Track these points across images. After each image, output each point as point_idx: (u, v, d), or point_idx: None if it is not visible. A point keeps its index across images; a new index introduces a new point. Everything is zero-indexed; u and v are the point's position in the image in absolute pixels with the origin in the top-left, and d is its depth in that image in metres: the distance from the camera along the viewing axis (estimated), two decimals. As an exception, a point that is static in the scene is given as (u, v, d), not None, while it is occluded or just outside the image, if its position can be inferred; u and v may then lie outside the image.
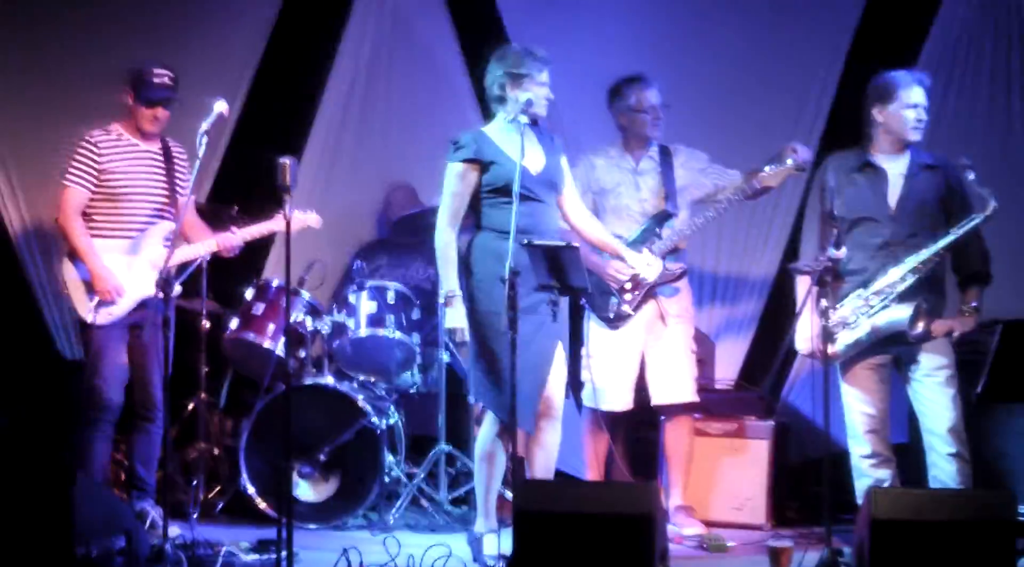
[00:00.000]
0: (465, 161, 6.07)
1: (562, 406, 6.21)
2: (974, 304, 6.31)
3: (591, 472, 6.95)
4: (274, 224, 6.76)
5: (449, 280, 6.04)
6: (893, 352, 6.30)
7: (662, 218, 6.86)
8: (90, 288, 6.62)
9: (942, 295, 6.36)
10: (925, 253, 6.19)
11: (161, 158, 6.81)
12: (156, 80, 6.67)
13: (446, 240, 6.08)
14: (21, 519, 5.29)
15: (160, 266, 6.38)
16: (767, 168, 6.71)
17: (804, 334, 6.34)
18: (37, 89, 8.06)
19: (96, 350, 6.67)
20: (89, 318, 6.63)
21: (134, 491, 6.78)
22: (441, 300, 6.12)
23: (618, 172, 6.95)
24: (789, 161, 6.69)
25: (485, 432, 6.15)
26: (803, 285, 6.27)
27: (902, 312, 6.16)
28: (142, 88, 6.68)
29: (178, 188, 6.82)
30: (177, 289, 6.69)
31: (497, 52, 6.26)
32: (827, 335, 6.02)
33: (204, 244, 6.83)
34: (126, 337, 6.74)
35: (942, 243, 6.19)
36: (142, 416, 6.76)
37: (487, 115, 6.83)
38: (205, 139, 6.23)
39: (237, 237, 6.84)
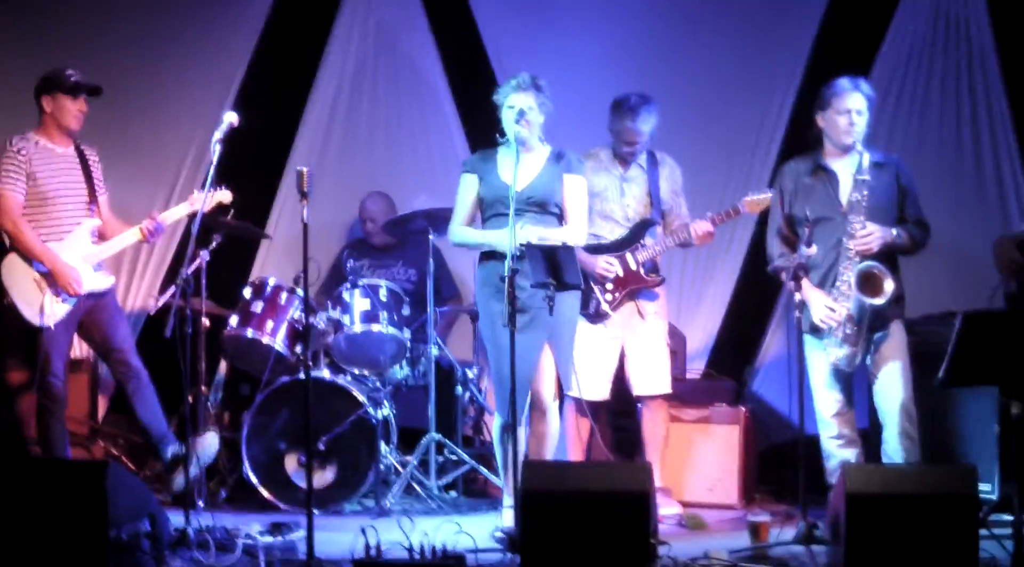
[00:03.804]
0: None
1: (551, 397, 6.65)
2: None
3: (573, 455, 7.23)
4: (187, 206, 7.10)
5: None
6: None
7: (645, 225, 7.22)
8: (39, 289, 6.87)
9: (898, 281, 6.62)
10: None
11: (77, 160, 7.10)
12: (73, 77, 6.98)
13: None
14: (59, 505, 5.55)
15: (93, 261, 6.92)
16: (752, 195, 7.14)
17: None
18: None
19: (46, 352, 6.88)
20: (36, 322, 6.88)
21: (160, 444, 7.12)
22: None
23: (606, 176, 7.26)
24: (770, 193, 7.05)
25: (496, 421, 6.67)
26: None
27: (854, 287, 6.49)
28: (64, 82, 6.97)
29: (96, 187, 7.13)
30: None
31: None
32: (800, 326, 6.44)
33: (129, 233, 7.07)
34: (72, 331, 7.03)
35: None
36: (127, 383, 7.09)
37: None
38: (219, 148, 6.51)
39: (157, 221, 7.09)
